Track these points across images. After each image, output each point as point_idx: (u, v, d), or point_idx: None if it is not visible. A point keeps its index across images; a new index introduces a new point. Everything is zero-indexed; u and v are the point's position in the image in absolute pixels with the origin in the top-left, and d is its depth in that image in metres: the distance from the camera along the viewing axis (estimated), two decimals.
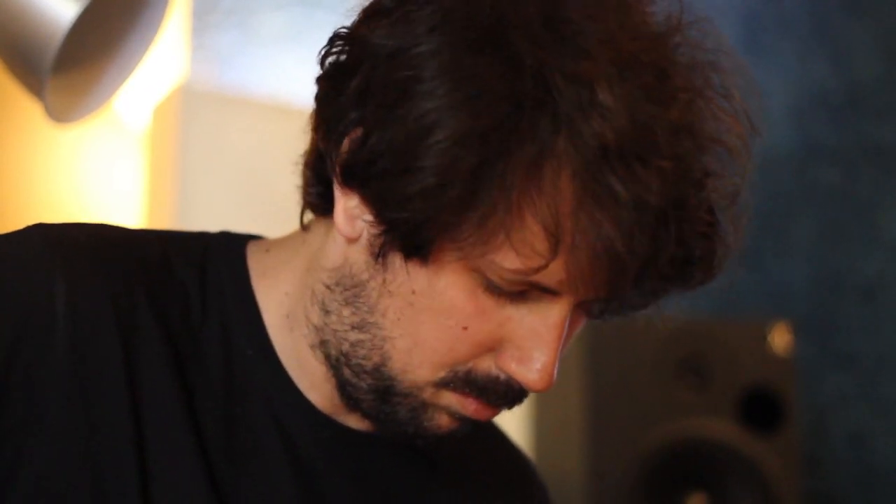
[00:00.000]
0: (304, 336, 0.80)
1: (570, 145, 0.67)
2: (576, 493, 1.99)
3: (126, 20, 1.32)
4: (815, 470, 2.53)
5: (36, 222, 0.78)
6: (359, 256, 0.75)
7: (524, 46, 0.67)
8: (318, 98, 0.76)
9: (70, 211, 1.95)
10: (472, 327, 0.73)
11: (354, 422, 0.82)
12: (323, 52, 0.75)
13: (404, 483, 0.85)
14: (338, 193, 0.74)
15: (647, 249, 0.68)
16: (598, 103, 0.66)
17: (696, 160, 0.69)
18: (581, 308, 0.75)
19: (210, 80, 2.23)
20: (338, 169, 0.73)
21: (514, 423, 2.08)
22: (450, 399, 0.76)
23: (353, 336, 0.76)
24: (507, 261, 0.69)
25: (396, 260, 0.73)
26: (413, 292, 0.73)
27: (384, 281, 0.74)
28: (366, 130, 0.70)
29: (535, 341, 0.73)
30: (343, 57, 0.74)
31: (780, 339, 2.07)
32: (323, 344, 0.78)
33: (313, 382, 0.80)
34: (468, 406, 0.76)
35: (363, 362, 0.76)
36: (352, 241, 0.75)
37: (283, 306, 0.81)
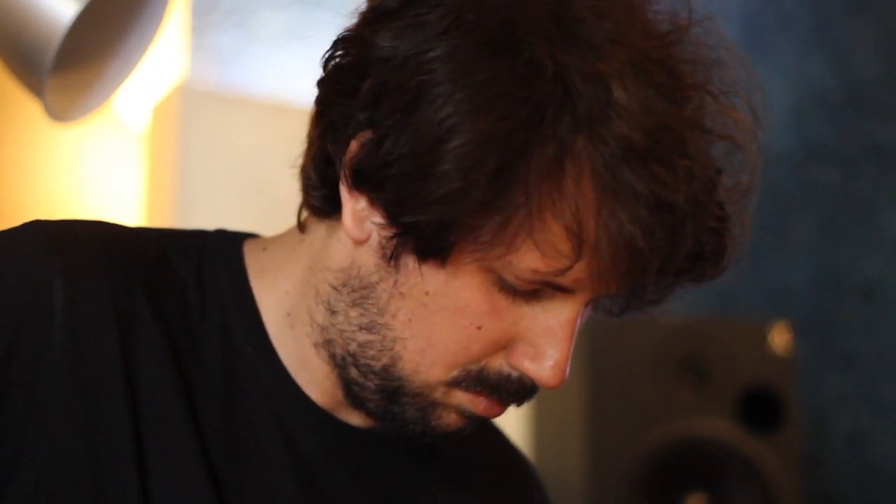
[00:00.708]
0: (306, 335, 0.79)
1: (589, 145, 0.67)
2: (575, 492, 1.99)
3: (126, 19, 1.32)
4: (814, 470, 2.53)
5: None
6: (367, 258, 0.75)
7: (541, 47, 0.67)
8: (320, 101, 0.76)
9: (69, 210, 1.94)
10: (486, 326, 0.73)
11: (355, 418, 0.82)
12: (326, 56, 0.75)
13: (404, 479, 0.85)
14: (345, 196, 0.74)
15: (667, 246, 0.69)
16: (615, 102, 0.67)
17: (709, 156, 0.70)
18: (590, 302, 0.75)
19: (210, 79, 2.23)
20: (346, 172, 0.73)
21: (514, 422, 2.08)
22: (460, 398, 0.76)
23: (362, 337, 0.76)
24: (528, 261, 0.70)
25: (409, 262, 0.73)
26: (426, 293, 0.73)
27: (396, 283, 0.74)
28: (378, 134, 0.70)
29: (548, 339, 0.73)
30: (348, 60, 0.74)
31: (780, 338, 2.07)
32: (327, 343, 0.78)
33: (314, 380, 0.80)
34: (479, 404, 0.77)
35: (372, 363, 0.76)
36: (360, 243, 0.75)
37: (283, 304, 0.81)
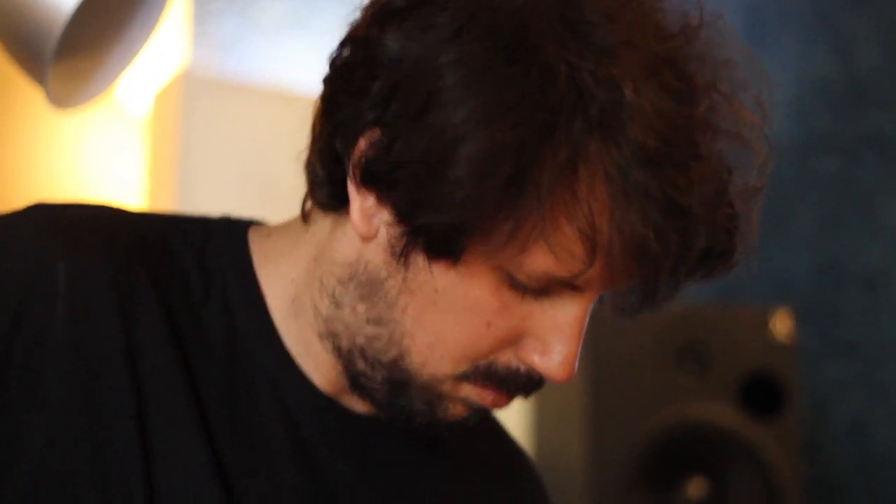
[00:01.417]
0: (310, 324, 0.79)
1: (602, 148, 0.67)
2: (577, 478, 2.00)
3: (128, 7, 1.32)
4: (815, 456, 2.54)
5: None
6: (375, 255, 0.75)
7: (554, 53, 0.67)
8: (327, 98, 0.76)
9: (71, 197, 1.95)
10: (496, 323, 0.73)
11: (359, 405, 0.82)
12: (333, 55, 0.75)
13: (406, 465, 0.85)
14: (353, 192, 0.74)
15: (679, 248, 0.69)
16: (628, 105, 0.67)
17: (721, 158, 0.70)
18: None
19: (211, 67, 2.23)
20: (355, 170, 0.73)
21: (514, 409, 2.08)
22: (468, 391, 0.76)
23: (370, 330, 0.76)
24: (541, 263, 0.70)
25: (419, 259, 0.73)
26: (436, 291, 0.73)
27: (405, 279, 0.74)
28: (387, 135, 0.70)
29: (558, 335, 0.74)
30: (356, 59, 0.74)
31: (781, 325, 2.07)
32: (332, 335, 0.78)
33: (318, 366, 0.81)
34: (486, 397, 0.77)
35: (380, 356, 0.76)
36: (367, 238, 0.75)
37: (287, 291, 0.81)
